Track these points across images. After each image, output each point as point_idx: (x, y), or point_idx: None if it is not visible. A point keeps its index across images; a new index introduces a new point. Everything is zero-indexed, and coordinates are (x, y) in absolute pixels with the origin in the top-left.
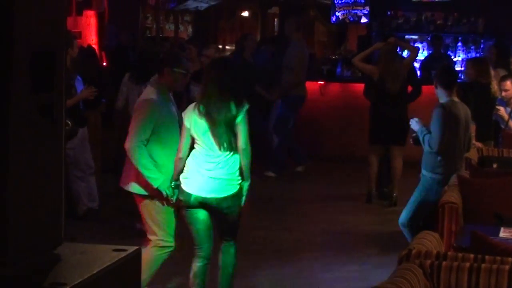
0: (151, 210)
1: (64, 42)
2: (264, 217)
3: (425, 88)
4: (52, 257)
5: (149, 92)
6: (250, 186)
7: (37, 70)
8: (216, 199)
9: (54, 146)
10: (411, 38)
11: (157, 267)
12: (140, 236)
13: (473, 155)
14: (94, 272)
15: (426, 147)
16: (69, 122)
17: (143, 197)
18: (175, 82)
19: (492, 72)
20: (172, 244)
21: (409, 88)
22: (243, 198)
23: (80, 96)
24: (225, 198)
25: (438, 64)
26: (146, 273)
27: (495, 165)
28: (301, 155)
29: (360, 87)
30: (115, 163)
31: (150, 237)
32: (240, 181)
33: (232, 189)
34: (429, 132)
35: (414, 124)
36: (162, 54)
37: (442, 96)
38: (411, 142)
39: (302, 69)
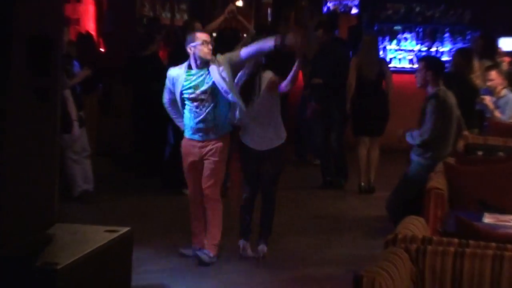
0: None
1: (63, 29)
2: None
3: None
4: (44, 237)
5: None
6: None
7: (34, 54)
8: None
9: (49, 128)
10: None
11: None
12: (134, 218)
13: (459, 142)
14: (86, 252)
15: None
16: (82, 115)
17: None
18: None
19: (477, 63)
20: None
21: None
22: None
23: (76, 79)
24: None
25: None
26: None
27: (480, 153)
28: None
29: None
30: (110, 146)
31: None
32: None
33: None
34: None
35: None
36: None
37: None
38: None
39: None
